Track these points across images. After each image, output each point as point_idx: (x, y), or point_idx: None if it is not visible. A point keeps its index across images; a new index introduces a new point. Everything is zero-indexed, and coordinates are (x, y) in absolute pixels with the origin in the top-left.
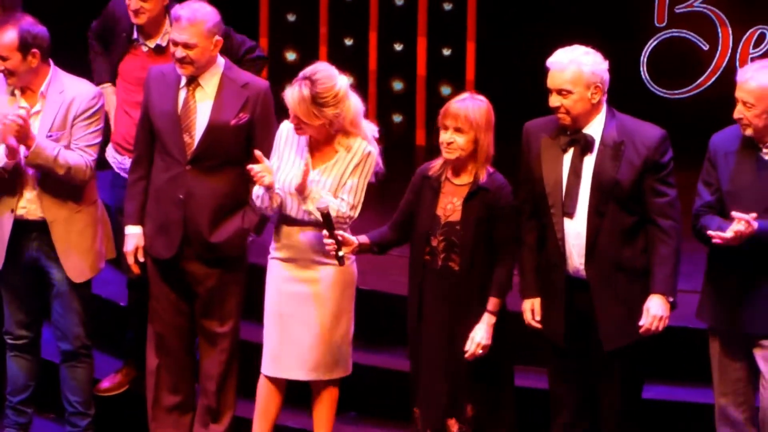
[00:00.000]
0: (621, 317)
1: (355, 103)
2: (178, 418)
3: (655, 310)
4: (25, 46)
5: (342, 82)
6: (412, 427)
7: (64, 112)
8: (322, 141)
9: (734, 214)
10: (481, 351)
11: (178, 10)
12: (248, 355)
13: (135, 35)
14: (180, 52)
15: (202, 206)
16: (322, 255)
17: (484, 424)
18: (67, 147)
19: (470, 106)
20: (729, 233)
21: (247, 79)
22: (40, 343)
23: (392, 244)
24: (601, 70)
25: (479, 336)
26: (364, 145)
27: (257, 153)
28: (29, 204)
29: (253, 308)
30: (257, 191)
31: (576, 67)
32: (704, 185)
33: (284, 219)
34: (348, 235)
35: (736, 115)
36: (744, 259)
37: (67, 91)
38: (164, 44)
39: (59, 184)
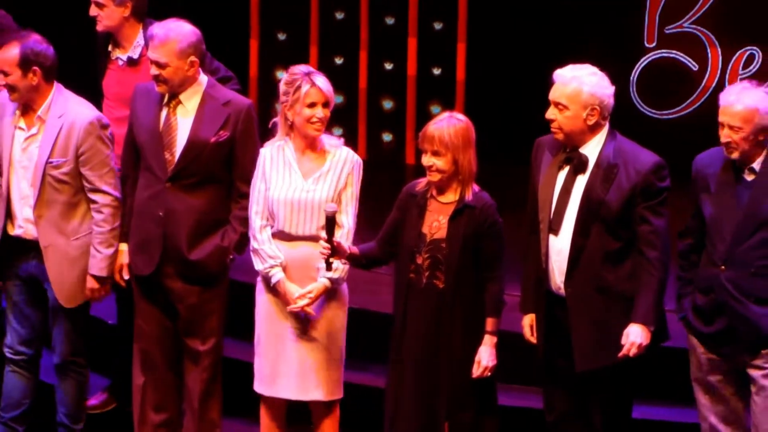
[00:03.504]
0: (594, 340)
1: None
2: None
3: (634, 336)
4: (26, 62)
5: None
6: None
7: (65, 138)
8: (307, 147)
9: None
10: (489, 373)
11: (153, 28)
12: (234, 373)
13: (110, 48)
14: (153, 71)
15: (181, 223)
16: (316, 271)
17: None
18: (68, 174)
19: (445, 128)
20: None
21: (230, 97)
22: (39, 363)
23: (378, 260)
24: (603, 93)
25: (485, 359)
26: (351, 155)
27: None
28: (26, 224)
29: (236, 326)
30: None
31: (577, 84)
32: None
33: (277, 234)
34: (344, 243)
35: (723, 139)
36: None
37: (68, 114)
38: (136, 56)
39: (56, 212)
